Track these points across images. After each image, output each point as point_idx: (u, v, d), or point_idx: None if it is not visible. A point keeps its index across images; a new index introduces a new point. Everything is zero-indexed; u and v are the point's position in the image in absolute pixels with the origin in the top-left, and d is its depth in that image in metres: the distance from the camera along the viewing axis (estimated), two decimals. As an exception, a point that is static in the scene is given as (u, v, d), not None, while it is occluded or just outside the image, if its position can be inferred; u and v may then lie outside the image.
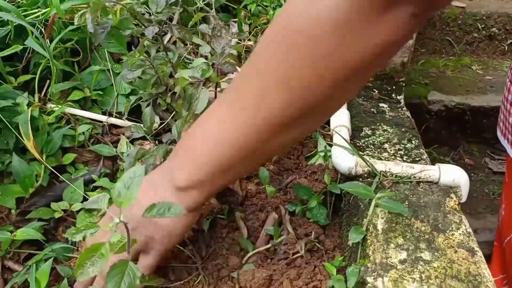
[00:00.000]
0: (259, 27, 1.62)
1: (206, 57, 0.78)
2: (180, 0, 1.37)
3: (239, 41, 1.62)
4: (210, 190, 0.61)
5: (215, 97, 0.83)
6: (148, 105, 0.80)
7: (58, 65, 0.98)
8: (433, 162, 0.88)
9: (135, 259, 0.64)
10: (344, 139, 0.85)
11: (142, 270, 0.63)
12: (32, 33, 0.92)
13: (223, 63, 0.75)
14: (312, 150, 1.10)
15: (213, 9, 0.96)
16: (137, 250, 0.63)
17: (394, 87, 1.22)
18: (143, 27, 0.79)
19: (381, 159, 0.89)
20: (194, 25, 0.95)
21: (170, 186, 0.60)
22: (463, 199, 0.79)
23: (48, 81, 1.03)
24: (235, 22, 1.66)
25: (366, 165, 0.81)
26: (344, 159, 0.82)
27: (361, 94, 1.18)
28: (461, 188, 0.79)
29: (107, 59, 1.06)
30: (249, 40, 1.60)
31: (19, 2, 1.01)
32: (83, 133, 0.96)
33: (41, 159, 0.85)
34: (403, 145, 0.95)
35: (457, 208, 0.74)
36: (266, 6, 1.75)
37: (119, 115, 1.06)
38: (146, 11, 0.81)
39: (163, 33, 0.81)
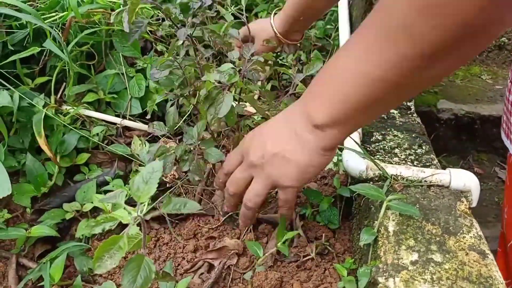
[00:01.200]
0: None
1: (233, 63, 0.79)
2: (215, 5, 1.39)
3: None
4: (348, 129, 0.61)
5: (238, 102, 0.85)
6: (172, 105, 0.82)
7: (75, 67, 1.01)
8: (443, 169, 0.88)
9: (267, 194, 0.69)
10: (356, 143, 0.86)
11: (280, 204, 0.70)
12: (51, 34, 0.94)
13: (249, 69, 0.77)
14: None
15: (244, 15, 0.99)
16: (270, 186, 0.66)
17: (404, 94, 1.23)
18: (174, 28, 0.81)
19: (391, 163, 0.90)
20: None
21: (308, 124, 0.60)
22: (474, 204, 0.79)
23: (64, 83, 1.05)
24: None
25: (377, 169, 0.82)
26: (355, 162, 0.83)
27: (371, 101, 1.19)
28: (471, 193, 0.79)
29: (122, 63, 1.08)
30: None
31: (37, 6, 1.03)
32: (97, 134, 0.97)
33: (53, 157, 0.87)
34: (413, 150, 0.96)
35: (468, 212, 0.74)
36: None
37: (133, 117, 1.08)
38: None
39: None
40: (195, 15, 0.81)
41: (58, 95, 1.02)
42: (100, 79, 1.07)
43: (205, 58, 0.83)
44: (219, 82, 0.73)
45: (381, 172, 0.82)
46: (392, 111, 1.14)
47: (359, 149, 0.86)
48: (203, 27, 0.82)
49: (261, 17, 1.76)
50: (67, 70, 1.01)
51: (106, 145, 0.99)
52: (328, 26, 1.56)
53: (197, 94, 0.81)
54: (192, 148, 0.79)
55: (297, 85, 0.87)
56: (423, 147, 0.98)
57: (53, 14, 1.01)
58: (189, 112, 0.98)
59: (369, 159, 0.83)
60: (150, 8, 1.13)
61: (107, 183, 0.91)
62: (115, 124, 1.03)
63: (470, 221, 0.71)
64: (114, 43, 1.09)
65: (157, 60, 0.80)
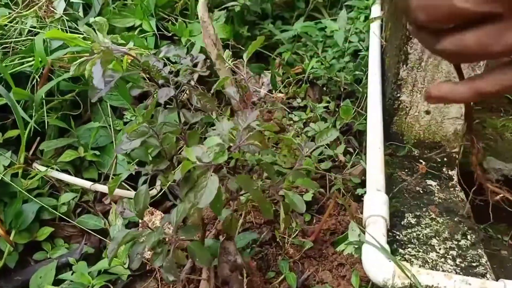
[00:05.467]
0: (291, 78, 1.47)
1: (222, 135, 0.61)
2: (208, 61, 1.24)
3: (269, 93, 1.48)
4: None
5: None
6: (144, 182, 0.64)
7: (48, 122, 0.87)
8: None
9: None
10: (378, 241, 0.66)
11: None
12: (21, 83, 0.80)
13: (246, 143, 0.59)
14: (340, 234, 0.92)
15: (245, 64, 0.81)
16: None
17: (445, 159, 1.02)
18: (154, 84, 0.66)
19: (427, 261, 0.70)
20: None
21: None
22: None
23: (40, 136, 0.91)
24: (269, 72, 1.52)
25: (407, 277, 0.62)
26: (378, 266, 0.63)
27: (404, 166, 0.99)
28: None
29: (109, 114, 0.94)
30: (280, 92, 1.45)
31: (17, 49, 0.91)
32: (68, 202, 0.82)
33: (4, 234, 0.71)
34: (456, 242, 0.75)
35: None
36: (302, 54, 1.60)
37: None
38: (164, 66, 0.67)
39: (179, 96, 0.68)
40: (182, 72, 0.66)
41: (31, 152, 0.88)
42: (83, 132, 0.92)
43: (192, 124, 0.67)
44: (202, 162, 0.56)
45: (412, 282, 0.62)
46: (429, 182, 0.94)
47: (384, 244, 0.66)
48: (190, 87, 0.66)
49: (284, 58, 1.60)
50: (46, 122, 0.87)
51: (79, 213, 0.83)
52: (357, 72, 1.37)
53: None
54: (168, 238, 0.62)
55: (305, 157, 0.69)
56: (468, 237, 0.77)
57: (31, 58, 0.87)
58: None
59: (395, 263, 0.63)
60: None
61: (70, 265, 0.74)
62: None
63: None
64: (104, 90, 0.95)
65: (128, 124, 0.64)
